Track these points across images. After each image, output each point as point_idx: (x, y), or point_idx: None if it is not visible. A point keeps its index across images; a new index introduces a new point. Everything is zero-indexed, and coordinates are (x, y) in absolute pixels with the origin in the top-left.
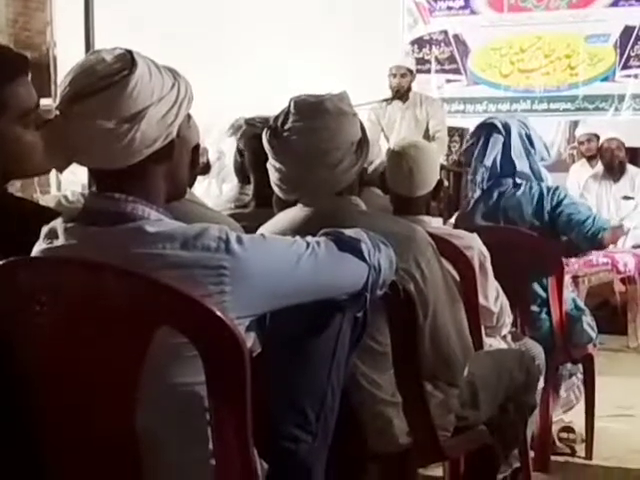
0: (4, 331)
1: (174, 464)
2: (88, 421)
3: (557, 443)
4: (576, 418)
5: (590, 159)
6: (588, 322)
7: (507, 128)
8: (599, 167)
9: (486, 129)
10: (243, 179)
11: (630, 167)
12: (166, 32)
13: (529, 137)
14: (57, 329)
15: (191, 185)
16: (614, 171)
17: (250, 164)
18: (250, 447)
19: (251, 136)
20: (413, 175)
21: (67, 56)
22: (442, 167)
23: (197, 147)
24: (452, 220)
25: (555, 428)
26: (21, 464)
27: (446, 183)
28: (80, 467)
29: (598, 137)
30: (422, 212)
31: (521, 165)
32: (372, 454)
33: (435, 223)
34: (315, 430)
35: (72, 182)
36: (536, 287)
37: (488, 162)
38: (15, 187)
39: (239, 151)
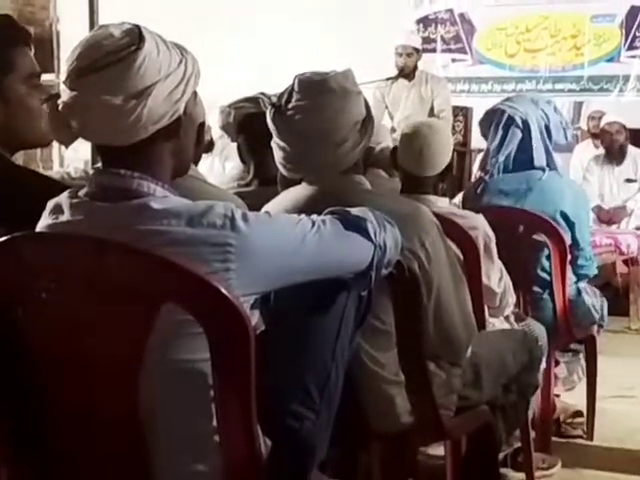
0: (9, 307)
1: (178, 441)
2: (92, 397)
3: (564, 427)
4: (577, 399)
5: (595, 137)
6: (593, 304)
7: (527, 125)
8: (602, 149)
9: (505, 119)
10: (243, 161)
11: (633, 149)
12: (168, 8)
13: (548, 129)
14: (62, 305)
15: (196, 163)
16: (614, 155)
17: (248, 145)
18: (254, 424)
19: (242, 118)
20: (423, 155)
21: (70, 32)
22: None
23: (203, 125)
24: (456, 200)
25: (561, 410)
26: (26, 440)
27: None
28: (84, 443)
29: None
30: (429, 192)
31: (539, 161)
32: (374, 433)
33: (441, 203)
34: (318, 408)
35: (75, 159)
36: (538, 269)
37: (502, 157)
38: (18, 163)
39: (234, 137)
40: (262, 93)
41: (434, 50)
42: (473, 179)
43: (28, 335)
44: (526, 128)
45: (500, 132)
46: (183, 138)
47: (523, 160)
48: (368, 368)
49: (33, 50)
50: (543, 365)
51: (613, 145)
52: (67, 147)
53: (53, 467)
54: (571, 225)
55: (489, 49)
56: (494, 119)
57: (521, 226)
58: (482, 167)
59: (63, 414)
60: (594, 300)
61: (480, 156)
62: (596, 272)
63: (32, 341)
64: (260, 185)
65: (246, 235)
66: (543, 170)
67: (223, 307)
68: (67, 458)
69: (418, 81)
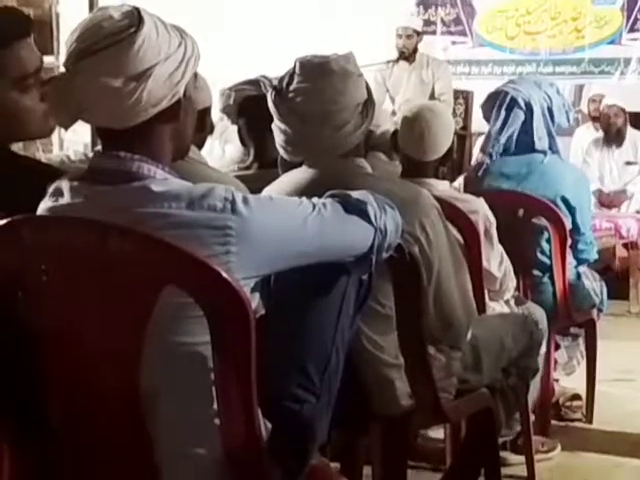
0: (9, 289)
1: (178, 424)
2: (92, 380)
3: (564, 410)
4: (576, 383)
5: (595, 120)
6: (593, 287)
7: (529, 107)
8: (602, 132)
9: (507, 101)
10: (244, 144)
11: (634, 132)
12: None
13: (550, 111)
14: (62, 287)
15: (200, 147)
16: (612, 137)
17: (249, 128)
18: (254, 407)
19: (242, 101)
20: (424, 138)
21: (70, 14)
22: None
23: (209, 109)
24: (456, 184)
25: (560, 393)
26: (28, 421)
27: None
28: (85, 426)
29: None
30: (430, 175)
31: (541, 144)
32: (375, 415)
33: (442, 186)
34: (319, 391)
35: (74, 141)
36: (538, 253)
37: (503, 139)
38: (17, 146)
39: (234, 120)
40: (263, 76)
41: (434, 32)
42: (473, 162)
43: (28, 318)
44: (529, 110)
45: (502, 114)
46: (183, 120)
47: (525, 142)
48: (368, 352)
49: (33, 36)
50: (543, 349)
51: (611, 128)
52: (66, 129)
53: (54, 448)
54: (572, 210)
55: (489, 32)
56: (497, 101)
57: (521, 210)
58: (483, 149)
59: (64, 397)
60: (594, 284)
61: (481, 140)
62: (596, 257)
63: (32, 324)
64: (260, 168)
65: (246, 218)
66: (545, 153)
67: (223, 290)
68: (69, 440)
69: (419, 64)
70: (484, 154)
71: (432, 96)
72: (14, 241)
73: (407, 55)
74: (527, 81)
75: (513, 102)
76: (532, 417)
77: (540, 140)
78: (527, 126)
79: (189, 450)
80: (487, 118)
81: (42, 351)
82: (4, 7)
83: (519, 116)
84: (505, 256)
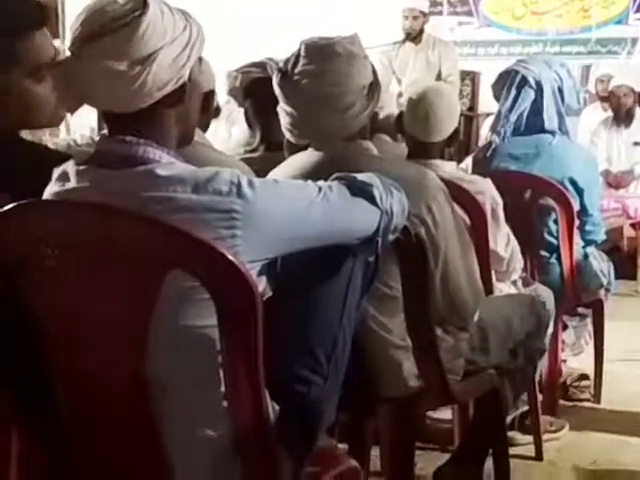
0: (15, 274)
1: (185, 407)
2: (100, 364)
3: (572, 391)
4: (585, 363)
5: (603, 100)
6: (600, 268)
7: (540, 86)
8: (610, 112)
9: (518, 80)
10: (250, 126)
11: None
12: None
13: (561, 91)
14: (68, 272)
15: (205, 130)
16: (622, 117)
17: (255, 110)
18: (261, 389)
19: (249, 83)
20: (429, 120)
21: None
22: None
23: (212, 93)
24: (463, 165)
25: (567, 373)
26: (34, 407)
27: None
28: (92, 410)
29: None
30: (436, 157)
31: (550, 124)
32: (382, 397)
33: (448, 167)
34: (326, 373)
35: (81, 125)
36: (546, 234)
37: (513, 117)
38: (24, 130)
39: (241, 102)
40: (269, 58)
41: (440, 13)
42: (481, 144)
43: (35, 303)
44: (539, 89)
45: (513, 92)
46: (188, 104)
47: (534, 122)
48: (375, 333)
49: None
50: (550, 329)
51: (621, 108)
52: (72, 113)
53: (62, 433)
54: (580, 191)
55: (496, 12)
56: (507, 80)
57: (529, 191)
58: (493, 128)
59: (71, 383)
60: (602, 264)
61: (488, 121)
62: (604, 237)
63: (38, 309)
64: (266, 150)
65: (252, 201)
66: (553, 134)
67: (230, 273)
68: (77, 425)
69: (425, 45)
70: (494, 133)
71: (439, 77)
72: (20, 226)
73: (414, 36)
74: (538, 61)
75: (524, 81)
76: (540, 397)
77: (550, 120)
78: (537, 105)
79: (197, 433)
80: (497, 98)
81: (48, 337)
82: None
83: (529, 95)
84: (512, 237)
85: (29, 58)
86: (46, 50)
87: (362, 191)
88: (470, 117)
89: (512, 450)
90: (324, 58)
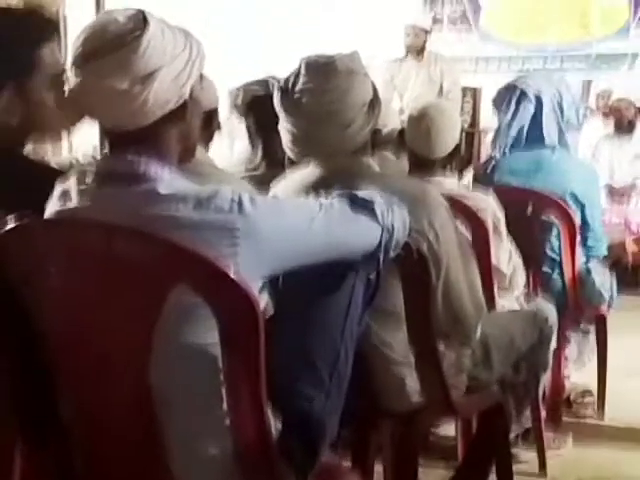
0: (19, 293)
1: (189, 424)
2: (103, 381)
3: (575, 406)
4: (588, 379)
5: (604, 115)
6: (602, 283)
7: (539, 100)
8: (612, 126)
9: (517, 95)
10: (252, 143)
11: None
12: None
13: (561, 106)
14: (71, 290)
15: (207, 147)
16: (624, 130)
17: (257, 128)
18: (264, 406)
19: (250, 100)
20: (431, 136)
21: (77, 16)
22: None
23: (215, 111)
24: (465, 181)
25: (571, 389)
26: (39, 419)
27: None
28: (97, 427)
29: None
30: (437, 173)
31: (550, 138)
32: (384, 413)
33: (449, 184)
34: (328, 389)
35: (83, 143)
36: (548, 249)
37: (513, 132)
38: (27, 149)
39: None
40: (271, 76)
41: (440, 29)
42: (483, 158)
43: (39, 321)
44: (538, 103)
45: (512, 107)
46: (189, 122)
47: (535, 137)
48: (377, 349)
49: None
50: (553, 344)
51: (622, 121)
52: (74, 126)
53: (67, 450)
54: (581, 206)
55: (496, 28)
56: (507, 95)
57: (530, 206)
58: (493, 143)
59: (75, 397)
60: (604, 279)
61: (489, 136)
62: (606, 252)
63: (43, 327)
64: (268, 168)
65: (253, 218)
66: (554, 149)
67: (232, 291)
68: (80, 440)
69: (427, 62)
70: (494, 147)
71: (440, 93)
72: (24, 244)
73: (416, 53)
74: (538, 76)
75: (523, 96)
76: (543, 413)
77: (550, 135)
78: (537, 120)
79: (200, 450)
80: (497, 112)
81: (53, 352)
82: (33, 8)
83: (529, 109)
84: (514, 253)
85: (47, 67)
86: (58, 62)
87: (363, 207)
88: (471, 133)
89: (516, 467)
90: (324, 76)
